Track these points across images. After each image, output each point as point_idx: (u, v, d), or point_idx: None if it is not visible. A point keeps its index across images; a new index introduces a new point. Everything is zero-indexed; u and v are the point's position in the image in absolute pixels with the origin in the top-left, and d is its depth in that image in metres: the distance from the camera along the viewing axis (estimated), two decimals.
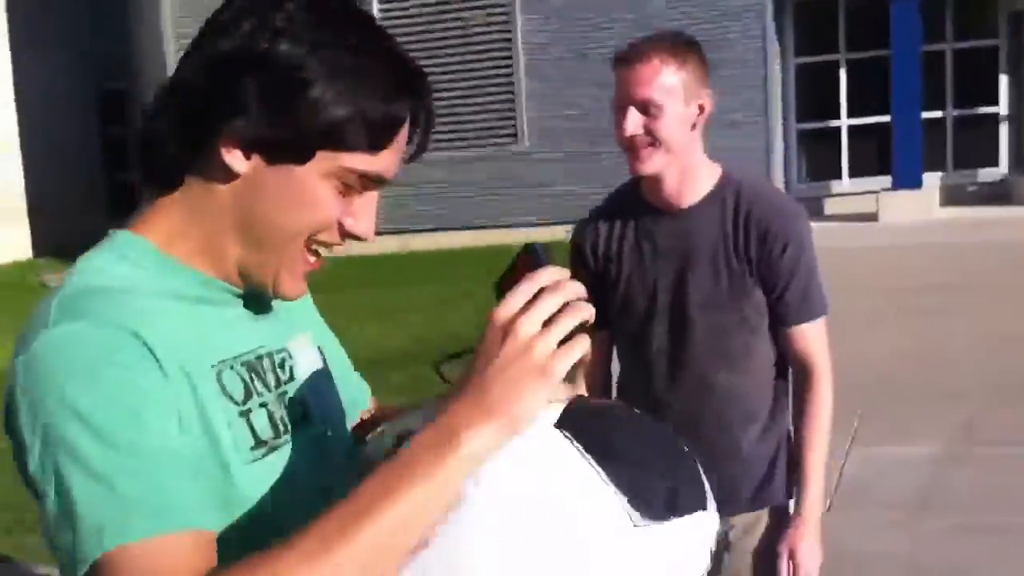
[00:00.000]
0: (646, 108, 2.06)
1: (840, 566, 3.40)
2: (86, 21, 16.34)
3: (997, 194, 12.25)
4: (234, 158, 1.05)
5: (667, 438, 1.07)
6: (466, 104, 12.36)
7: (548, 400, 0.96)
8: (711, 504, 1.03)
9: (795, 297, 2.18)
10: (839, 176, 12.73)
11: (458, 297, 9.56)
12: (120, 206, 17.50)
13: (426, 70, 1.14)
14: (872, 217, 11.75)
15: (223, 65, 1.04)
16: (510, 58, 12.25)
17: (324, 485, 1.07)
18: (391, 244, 12.42)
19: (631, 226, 2.23)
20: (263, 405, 1.11)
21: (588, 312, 0.97)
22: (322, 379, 1.22)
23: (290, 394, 1.15)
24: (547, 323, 0.95)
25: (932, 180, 12.13)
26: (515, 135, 12.29)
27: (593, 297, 1.00)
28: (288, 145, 1.05)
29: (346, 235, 1.12)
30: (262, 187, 1.07)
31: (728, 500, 2.18)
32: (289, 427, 1.12)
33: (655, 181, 2.15)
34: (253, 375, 1.12)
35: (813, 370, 2.23)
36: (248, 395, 1.10)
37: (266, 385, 1.13)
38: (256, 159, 1.06)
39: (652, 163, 2.09)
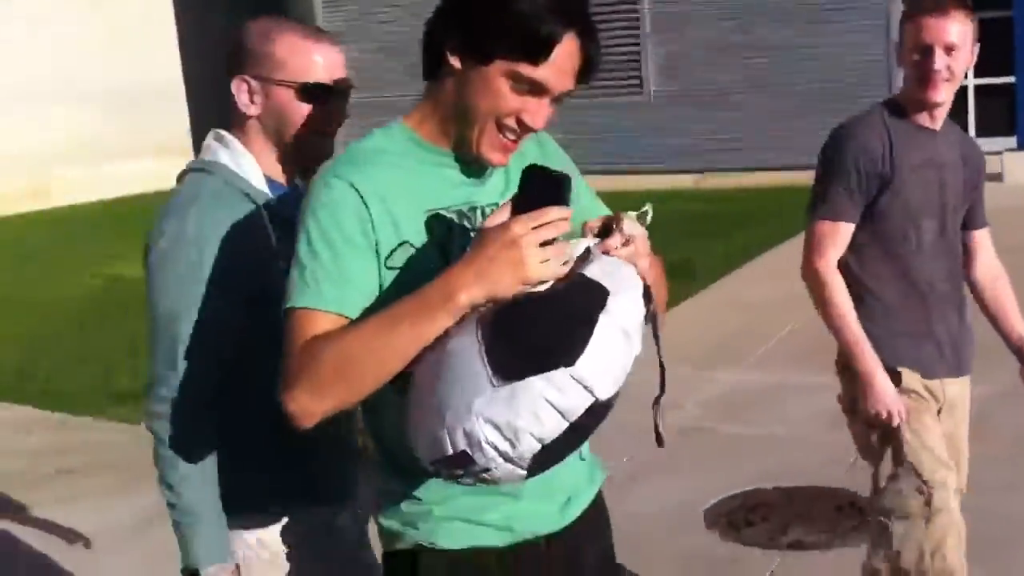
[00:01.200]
0: (950, 49, 2.62)
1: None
2: None
3: None
4: (453, 59, 1.58)
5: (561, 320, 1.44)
6: None
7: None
8: (576, 362, 1.40)
9: (982, 207, 2.93)
10: None
11: None
12: None
13: None
14: (997, 177, 11.79)
15: None
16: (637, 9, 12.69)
17: None
18: None
19: (903, 139, 2.73)
20: (462, 245, 1.59)
21: (570, 250, 1.47)
22: None
23: None
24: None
25: None
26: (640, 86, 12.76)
27: None
28: (479, 49, 1.55)
29: (522, 125, 1.60)
30: (468, 81, 1.58)
31: (962, 362, 2.90)
32: None
33: (936, 107, 2.72)
34: (463, 219, 1.63)
35: (998, 262, 2.97)
36: (449, 233, 1.62)
37: (474, 228, 1.63)
38: (465, 60, 1.58)
39: (944, 93, 2.69)
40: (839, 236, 2.76)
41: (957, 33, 2.61)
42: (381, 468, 1.79)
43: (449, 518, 1.71)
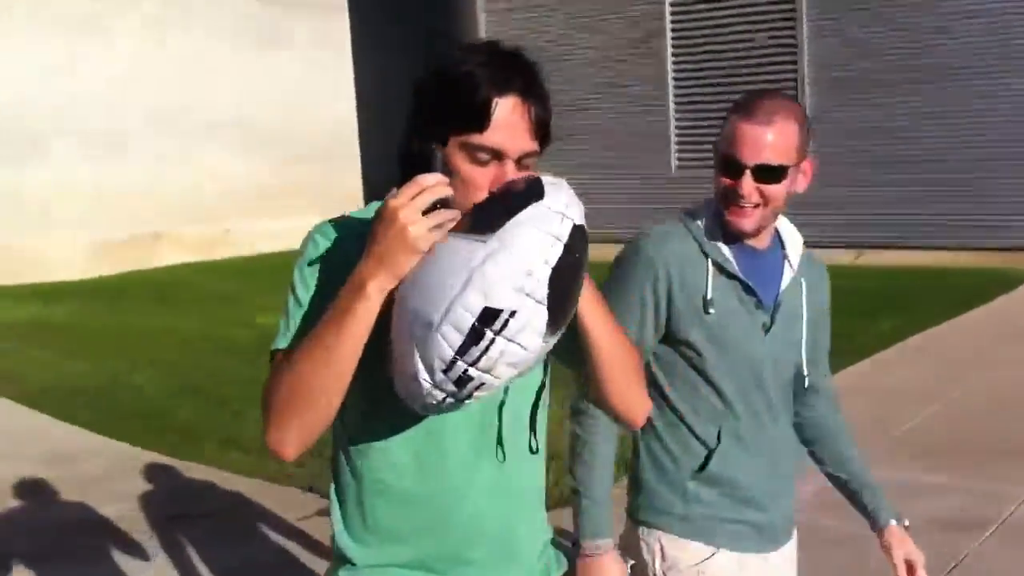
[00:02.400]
0: None
1: None
2: (422, 24, 17.97)
3: None
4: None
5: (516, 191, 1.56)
6: None
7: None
8: (546, 197, 1.52)
9: None
10: None
11: None
12: None
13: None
14: None
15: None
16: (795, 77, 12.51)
17: None
18: None
19: None
20: None
21: (452, 213, 1.52)
22: None
23: None
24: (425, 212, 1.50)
25: None
26: None
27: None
28: (434, 133, 1.63)
29: None
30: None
31: None
32: None
33: None
34: None
35: None
36: None
37: None
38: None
39: None
40: None
41: None
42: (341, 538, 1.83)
43: None
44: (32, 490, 5.82)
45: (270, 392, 1.63)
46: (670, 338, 2.23)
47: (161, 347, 9.55)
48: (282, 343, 1.69)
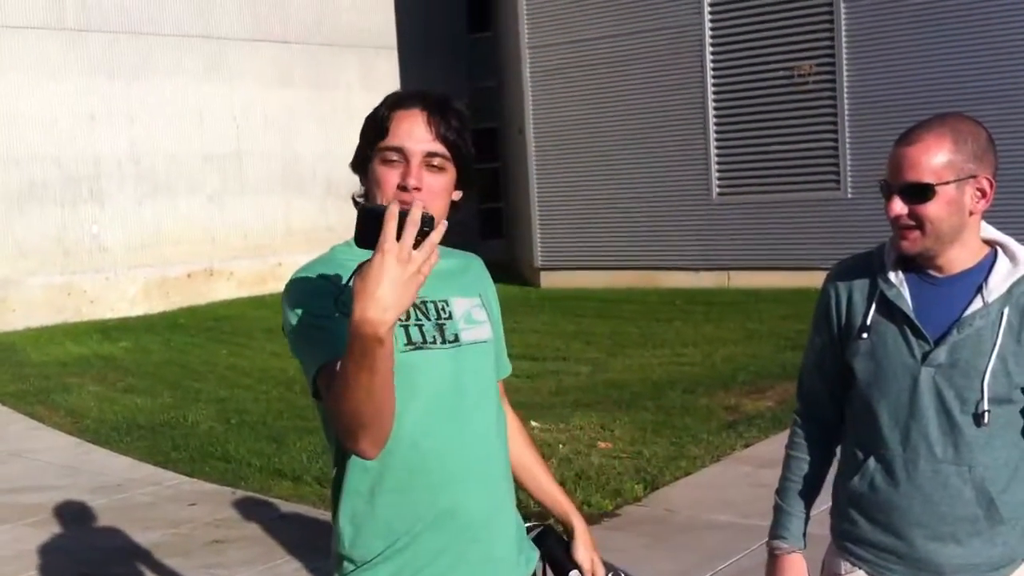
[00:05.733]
0: None
1: None
2: (464, 28, 18.29)
3: None
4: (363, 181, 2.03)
5: None
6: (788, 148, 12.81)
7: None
8: None
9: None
10: None
11: (763, 334, 10.03)
12: (488, 228, 19.12)
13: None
14: None
15: None
16: (834, 106, 12.55)
17: (457, 375, 1.98)
18: (710, 280, 13.09)
19: None
20: (419, 325, 1.96)
21: (436, 237, 1.64)
22: (471, 320, 2.06)
23: (446, 325, 2.01)
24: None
25: None
26: (837, 182, 12.54)
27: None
28: (364, 154, 2.00)
29: (403, 188, 1.93)
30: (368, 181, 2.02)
31: None
32: (438, 340, 1.98)
33: None
34: (417, 309, 1.97)
35: None
36: (408, 317, 1.95)
37: (426, 315, 1.99)
38: (364, 171, 2.01)
39: None
40: None
41: None
42: (342, 539, 2.05)
43: None
44: (81, 517, 6.09)
45: (337, 418, 1.81)
46: (845, 361, 2.30)
47: (213, 380, 9.84)
48: (324, 358, 1.85)
